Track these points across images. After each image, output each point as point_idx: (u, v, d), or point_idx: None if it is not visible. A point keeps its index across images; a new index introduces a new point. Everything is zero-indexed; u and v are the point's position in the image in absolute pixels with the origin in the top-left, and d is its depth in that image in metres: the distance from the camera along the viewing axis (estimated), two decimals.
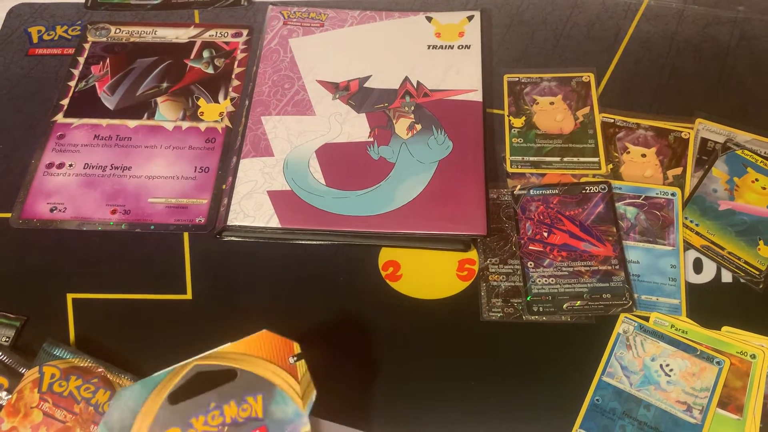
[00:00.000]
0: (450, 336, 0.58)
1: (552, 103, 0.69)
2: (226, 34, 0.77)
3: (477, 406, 0.55)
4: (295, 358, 0.48)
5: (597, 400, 0.55)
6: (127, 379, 0.55)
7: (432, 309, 0.60)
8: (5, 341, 0.58)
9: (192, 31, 0.77)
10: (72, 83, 0.74)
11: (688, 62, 0.73)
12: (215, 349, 0.48)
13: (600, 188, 0.64)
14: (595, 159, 0.66)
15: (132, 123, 0.71)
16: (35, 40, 0.77)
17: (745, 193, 0.64)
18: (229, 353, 0.48)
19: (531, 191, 0.64)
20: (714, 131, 0.67)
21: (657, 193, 0.63)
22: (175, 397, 0.46)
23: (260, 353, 0.48)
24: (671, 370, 0.56)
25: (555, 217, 0.63)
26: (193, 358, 0.47)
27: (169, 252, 0.63)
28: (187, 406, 0.46)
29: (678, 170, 0.65)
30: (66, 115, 0.71)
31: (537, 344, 0.58)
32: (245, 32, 0.77)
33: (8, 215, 0.65)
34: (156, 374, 0.47)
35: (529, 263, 0.61)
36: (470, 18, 0.75)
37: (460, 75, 0.71)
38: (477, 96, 0.69)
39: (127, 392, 0.47)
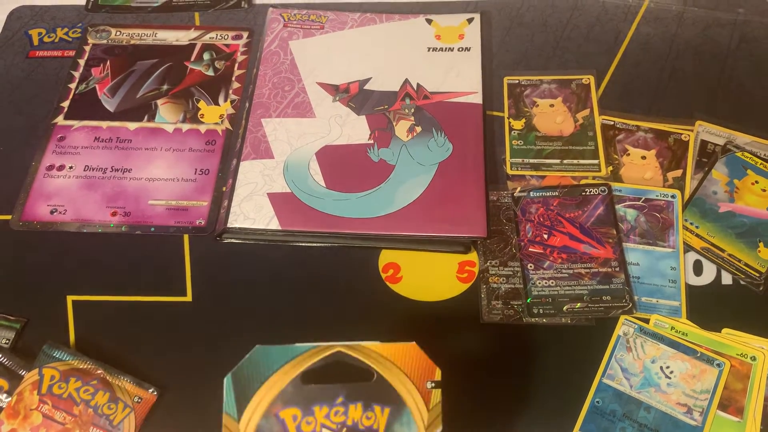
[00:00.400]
0: (450, 338, 0.58)
1: (552, 106, 0.69)
2: (226, 37, 0.77)
3: (477, 408, 0.55)
4: (433, 384, 0.45)
5: (597, 402, 0.55)
6: (127, 381, 0.55)
7: (432, 311, 0.60)
8: (5, 343, 0.58)
9: (192, 34, 0.78)
10: (72, 85, 0.74)
11: (687, 64, 0.73)
12: (362, 342, 0.46)
13: (600, 190, 0.64)
14: (595, 161, 0.66)
15: (132, 125, 0.71)
16: (36, 42, 0.78)
17: (745, 195, 0.64)
18: (373, 351, 0.45)
19: (531, 193, 0.64)
20: (714, 133, 0.67)
21: (657, 195, 0.63)
22: (307, 377, 0.44)
23: (402, 364, 0.45)
24: (671, 372, 0.56)
25: (555, 219, 0.63)
26: (339, 343, 0.45)
27: (169, 254, 0.63)
28: (315, 390, 0.44)
29: (678, 172, 0.65)
30: (66, 118, 0.71)
31: (537, 346, 0.58)
32: (245, 34, 0.77)
33: (8, 217, 0.65)
34: (298, 345, 0.45)
35: (529, 265, 0.61)
36: (470, 20, 0.75)
37: (460, 77, 0.71)
38: (477, 98, 0.69)
39: (263, 353, 0.45)
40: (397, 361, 0.45)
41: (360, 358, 0.45)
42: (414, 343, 0.46)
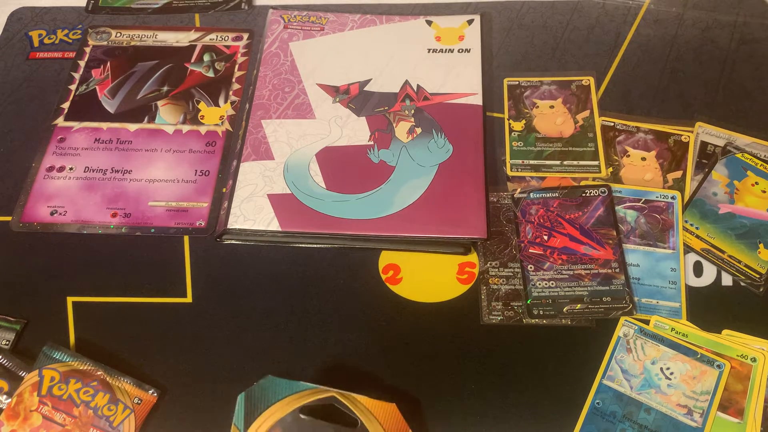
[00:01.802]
0: (450, 339, 0.58)
1: (552, 107, 0.69)
2: (226, 38, 0.77)
3: (477, 409, 0.55)
4: None
5: (597, 403, 0.55)
6: (127, 383, 0.55)
7: (432, 312, 0.60)
8: (5, 344, 0.58)
9: (192, 35, 0.78)
10: (73, 87, 0.74)
11: (687, 66, 0.73)
12: (353, 393, 0.52)
13: (600, 191, 0.64)
14: (595, 162, 0.66)
15: (132, 126, 0.71)
16: (36, 43, 0.78)
17: (745, 197, 0.64)
18: (362, 403, 0.52)
19: (531, 194, 0.64)
20: (714, 134, 0.67)
21: (657, 197, 0.63)
22: (305, 411, 0.51)
23: (382, 420, 0.51)
24: (672, 373, 0.55)
25: (555, 220, 0.63)
26: (335, 389, 0.52)
27: (169, 255, 0.63)
28: (308, 424, 0.51)
29: (678, 173, 0.65)
30: (66, 119, 0.71)
31: (537, 347, 0.58)
32: (246, 36, 0.77)
33: (9, 219, 0.65)
34: (303, 383, 0.52)
35: (529, 266, 0.61)
36: (470, 22, 0.75)
37: (460, 78, 0.71)
38: (477, 99, 0.69)
39: (272, 383, 0.52)
40: (379, 416, 0.51)
41: (349, 406, 0.52)
42: (394, 404, 0.52)
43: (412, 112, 0.69)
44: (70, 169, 0.68)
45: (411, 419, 0.54)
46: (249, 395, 0.52)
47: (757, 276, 0.60)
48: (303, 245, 0.63)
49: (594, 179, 0.65)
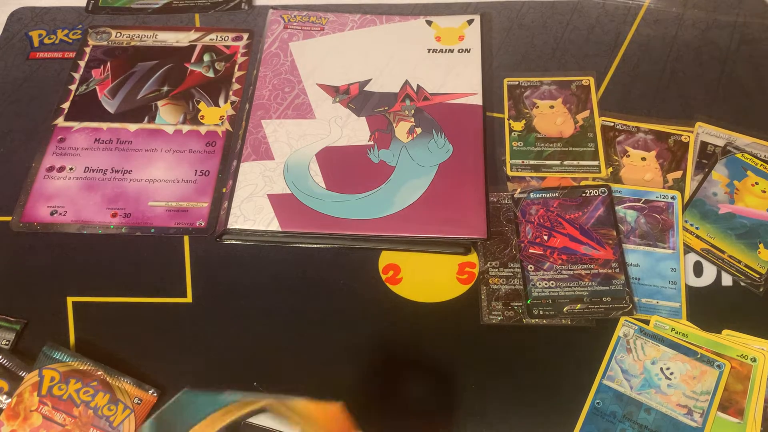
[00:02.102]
0: (450, 339, 0.58)
1: (552, 107, 0.69)
2: (226, 38, 0.77)
3: (477, 409, 0.55)
4: None
5: (597, 403, 0.55)
6: (127, 383, 0.55)
7: (432, 312, 0.60)
8: (5, 344, 0.58)
9: (192, 35, 0.78)
10: (73, 87, 0.74)
11: (688, 66, 0.73)
12: (291, 398, 0.45)
13: (600, 191, 0.64)
14: (595, 162, 0.66)
15: (132, 126, 0.71)
16: (36, 44, 0.78)
17: (745, 197, 0.64)
18: (301, 408, 0.46)
19: (531, 194, 0.64)
20: (714, 135, 0.67)
21: (657, 197, 0.63)
22: (233, 428, 0.43)
23: (325, 424, 0.45)
24: (672, 373, 0.55)
25: (555, 220, 0.63)
26: (269, 396, 0.45)
27: (169, 255, 0.63)
28: None
29: (678, 173, 0.65)
30: (67, 119, 0.71)
31: (537, 347, 0.58)
32: (246, 36, 0.77)
33: (9, 219, 0.65)
34: (228, 394, 0.45)
35: (529, 266, 0.61)
36: (470, 22, 0.75)
37: (460, 78, 0.71)
38: (477, 99, 0.69)
39: (189, 400, 0.44)
40: (321, 420, 0.45)
41: (286, 413, 0.45)
42: (342, 404, 0.46)
43: (412, 112, 0.69)
44: (70, 169, 0.68)
45: (410, 420, 0.54)
46: (160, 420, 0.43)
47: (757, 276, 0.60)
48: (303, 245, 0.63)
49: (594, 179, 0.65)
